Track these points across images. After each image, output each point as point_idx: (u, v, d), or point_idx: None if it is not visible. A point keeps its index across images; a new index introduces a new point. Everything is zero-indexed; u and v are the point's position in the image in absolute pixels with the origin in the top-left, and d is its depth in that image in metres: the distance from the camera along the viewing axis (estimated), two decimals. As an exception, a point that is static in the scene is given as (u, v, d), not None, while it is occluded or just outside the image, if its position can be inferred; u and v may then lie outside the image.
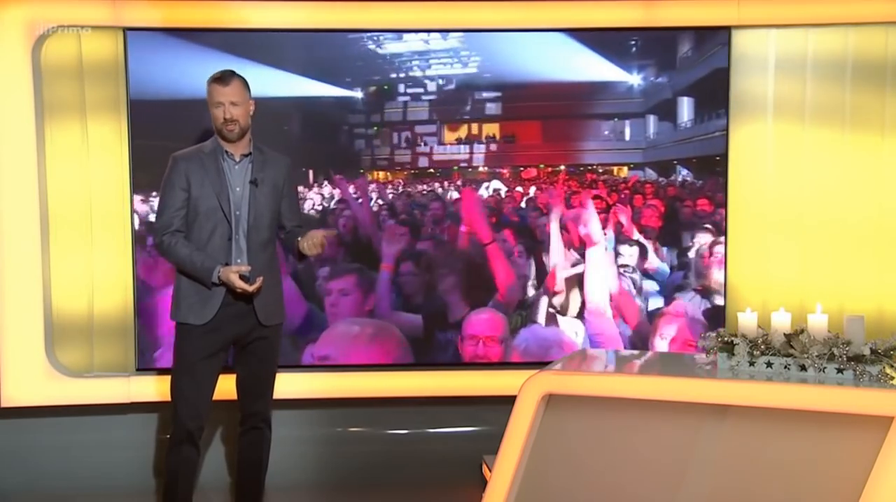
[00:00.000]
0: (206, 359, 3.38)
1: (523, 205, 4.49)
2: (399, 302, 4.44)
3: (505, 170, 4.49)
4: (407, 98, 4.43)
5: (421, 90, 4.43)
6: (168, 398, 3.45)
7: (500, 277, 4.47)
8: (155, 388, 4.32)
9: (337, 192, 4.42)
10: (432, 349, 4.46)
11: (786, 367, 3.05)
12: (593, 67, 4.43)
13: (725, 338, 3.20)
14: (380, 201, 4.44)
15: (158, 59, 4.24)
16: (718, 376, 3.07)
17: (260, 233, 3.41)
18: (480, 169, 4.50)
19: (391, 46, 4.39)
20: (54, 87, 4.27)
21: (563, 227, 4.50)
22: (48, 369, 4.28)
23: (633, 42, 4.42)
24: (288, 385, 4.23)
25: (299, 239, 3.41)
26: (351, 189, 4.42)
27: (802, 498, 2.90)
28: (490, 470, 3.25)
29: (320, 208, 4.42)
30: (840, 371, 2.98)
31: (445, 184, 4.47)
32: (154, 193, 4.13)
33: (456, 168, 4.49)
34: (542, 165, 4.49)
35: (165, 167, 3.42)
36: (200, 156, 3.41)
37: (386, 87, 4.41)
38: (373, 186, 4.44)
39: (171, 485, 3.44)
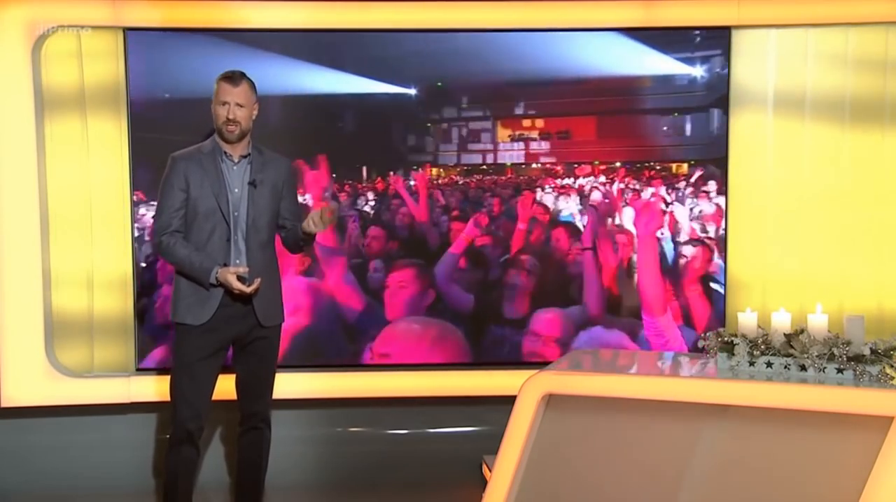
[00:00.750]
0: (204, 359, 3.37)
1: (579, 202, 4.45)
2: (455, 297, 4.43)
3: (559, 167, 4.45)
4: (461, 95, 4.41)
5: (474, 87, 4.41)
6: (168, 398, 3.45)
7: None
8: (155, 388, 4.32)
9: (390, 189, 4.41)
10: (491, 347, 4.45)
11: (786, 367, 3.05)
12: (650, 62, 4.40)
13: (725, 338, 3.20)
14: (433, 198, 4.42)
15: (158, 58, 4.24)
16: (718, 376, 3.07)
17: (259, 234, 3.41)
18: (534, 165, 4.46)
19: (442, 44, 4.37)
20: (54, 87, 4.27)
21: (622, 226, 4.46)
22: (48, 369, 4.28)
23: (696, 33, 4.39)
24: (288, 385, 4.23)
25: (302, 224, 3.41)
26: (405, 185, 4.41)
27: (802, 498, 2.90)
28: (490, 470, 3.25)
29: (374, 203, 4.41)
30: (840, 371, 2.98)
31: (498, 180, 4.45)
32: (144, 196, 4.15)
33: (509, 164, 4.47)
34: (596, 162, 4.46)
35: (165, 167, 3.42)
36: (199, 156, 3.40)
37: (439, 85, 4.40)
38: (426, 183, 4.42)
39: (171, 485, 3.44)
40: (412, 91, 4.39)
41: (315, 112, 4.35)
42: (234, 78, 3.36)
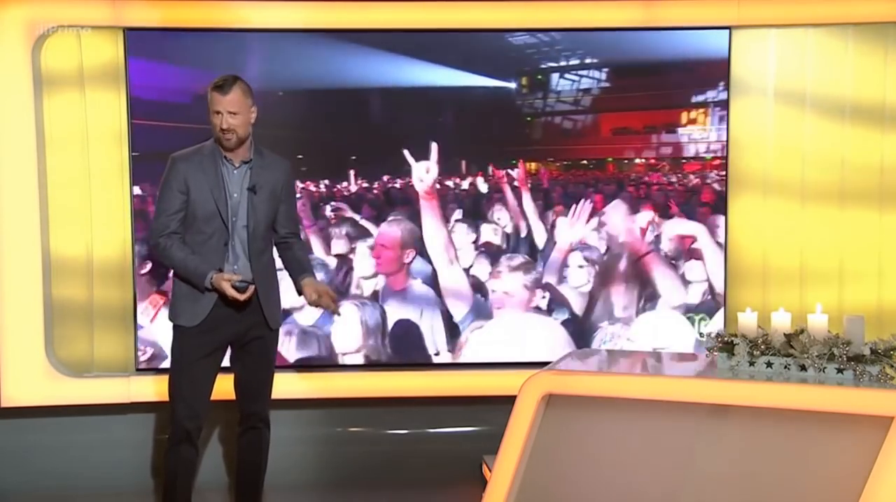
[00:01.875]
0: (202, 359, 3.36)
1: (690, 199, 4.39)
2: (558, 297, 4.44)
3: (664, 163, 4.38)
4: (561, 88, 4.38)
5: (574, 80, 4.38)
6: (167, 398, 3.45)
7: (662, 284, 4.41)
8: (155, 388, 4.32)
9: (490, 183, 4.41)
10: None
11: (786, 367, 3.05)
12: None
13: (725, 338, 3.20)
14: (533, 192, 4.41)
15: (159, 58, 4.24)
16: (718, 376, 3.07)
17: (256, 240, 3.38)
18: (636, 161, 4.39)
19: (541, 37, 4.36)
20: (54, 87, 4.26)
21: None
22: (48, 369, 4.28)
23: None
24: (288, 385, 4.23)
25: (304, 282, 3.42)
26: (506, 179, 4.40)
27: (802, 498, 2.90)
28: (490, 470, 3.25)
29: (478, 196, 4.41)
30: (840, 371, 2.98)
31: (600, 175, 4.40)
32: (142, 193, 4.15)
33: (610, 160, 4.42)
34: (708, 156, 4.40)
35: (165, 166, 3.41)
36: (199, 157, 3.35)
37: (539, 78, 4.37)
38: (525, 177, 4.39)
39: (170, 485, 3.43)
40: (512, 85, 4.38)
41: (415, 105, 4.35)
42: (223, 86, 3.27)
